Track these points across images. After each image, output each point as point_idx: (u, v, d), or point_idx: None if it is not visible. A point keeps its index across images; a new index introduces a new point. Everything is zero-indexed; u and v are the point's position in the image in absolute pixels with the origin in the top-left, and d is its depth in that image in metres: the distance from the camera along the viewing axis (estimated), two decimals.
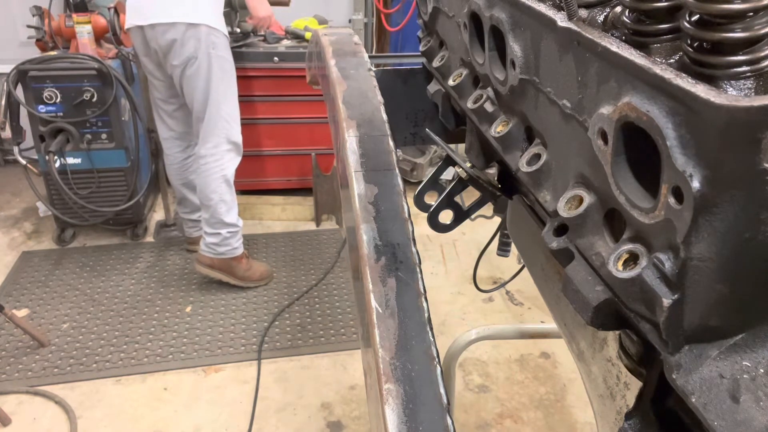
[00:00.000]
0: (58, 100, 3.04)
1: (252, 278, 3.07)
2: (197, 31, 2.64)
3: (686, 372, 0.46)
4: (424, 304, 0.66)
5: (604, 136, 0.50)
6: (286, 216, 3.80)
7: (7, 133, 3.16)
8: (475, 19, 0.80)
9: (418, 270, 0.69)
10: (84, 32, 3.22)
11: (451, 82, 0.96)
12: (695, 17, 0.44)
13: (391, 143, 0.86)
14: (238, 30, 3.46)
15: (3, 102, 3.03)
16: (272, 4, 3.41)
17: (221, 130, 2.79)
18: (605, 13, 0.59)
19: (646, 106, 0.43)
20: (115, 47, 3.31)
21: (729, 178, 0.38)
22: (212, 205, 2.83)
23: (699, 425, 0.46)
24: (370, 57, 1.09)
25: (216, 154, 2.80)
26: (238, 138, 2.89)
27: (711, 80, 0.43)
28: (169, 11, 2.63)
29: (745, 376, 0.44)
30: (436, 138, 1.09)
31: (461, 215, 1.09)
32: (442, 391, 0.58)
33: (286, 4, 3.54)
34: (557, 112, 0.61)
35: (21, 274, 3.18)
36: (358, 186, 0.79)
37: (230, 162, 2.86)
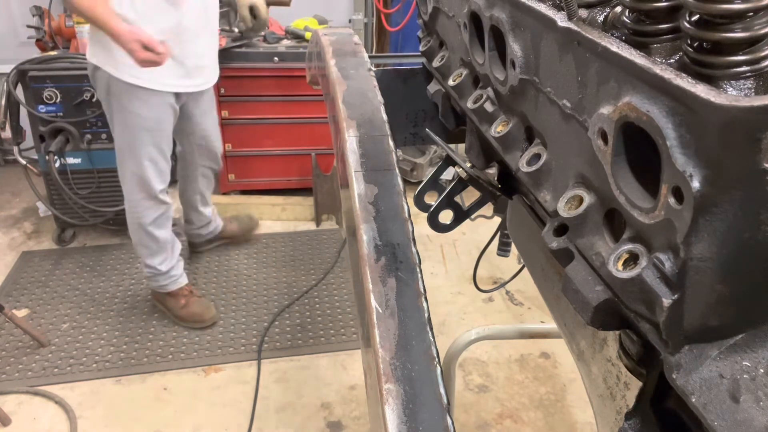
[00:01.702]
0: (58, 100, 3.03)
1: (184, 318, 2.83)
2: (98, 74, 2.37)
3: (686, 372, 0.46)
4: (424, 304, 0.66)
5: (604, 136, 0.50)
6: (286, 216, 3.80)
7: (7, 133, 3.16)
8: (475, 19, 0.80)
9: (418, 270, 0.69)
10: (84, 32, 3.21)
11: (451, 82, 0.97)
12: (695, 17, 0.45)
13: (391, 143, 0.86)
14: (237, 30, 3.46)
15: (3, 102, 3.03)
16: (272, 4, 3.40)
17: (129, 180, 2.56)
18: (605, 13, 0.58)
19: (646, 106, 0.43)
20: None
21: (729, 178, 0.38)
22: (134, 246, 2.73)
23: (699, 425, 0.46)
24: (370, 57, 1.09)
25: (130, 201, 2.61)
26: (155, 187, 2.56)
27: (711, 80, 0.43)
28: (90, 45, 2.41)
29: (745, 376, 0.44)
30: (436, 138, 1.09)
31: (461, 215, 1.09)
32: (442, 391, 0.58)
33: (287, 4, 3.54)
34: (557, 112, 0.61)
35: (21, 274, 3.18)
36: (358, 186, 0.79)
37: (147, 210, 2.60)
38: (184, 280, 2.84)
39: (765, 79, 0.43)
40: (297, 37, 3.66)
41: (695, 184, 0.39)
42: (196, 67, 2.52)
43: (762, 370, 0.44)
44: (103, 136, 3.17)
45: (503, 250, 1.57)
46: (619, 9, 0.56)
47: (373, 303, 0.65)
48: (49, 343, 2.69)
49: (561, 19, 0.57)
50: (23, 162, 3.14)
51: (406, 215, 0.76)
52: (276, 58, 3.47)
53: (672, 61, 0.50)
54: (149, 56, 2.14)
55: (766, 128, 0.35)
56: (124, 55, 2.20)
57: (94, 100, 3.06)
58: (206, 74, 2.62)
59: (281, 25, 3.79)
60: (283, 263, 3.36)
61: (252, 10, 2.95)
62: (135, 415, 2.38)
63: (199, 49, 2.50)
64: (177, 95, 2.54)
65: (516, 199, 0.97)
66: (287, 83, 3.53)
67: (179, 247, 2.83)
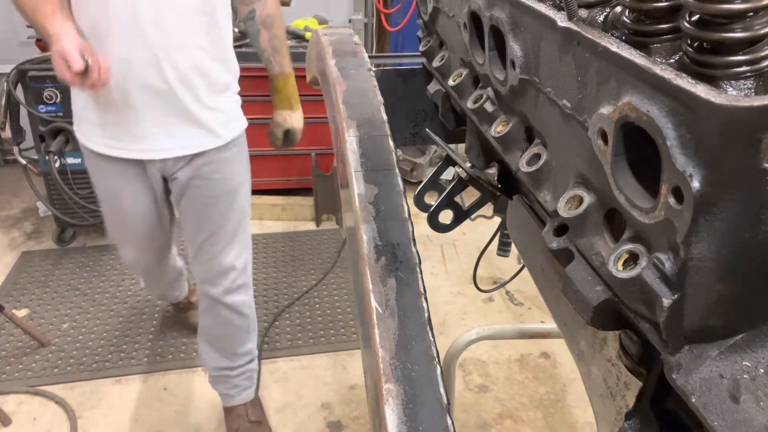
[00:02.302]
0: (58, 100, 3.03)
1: (180, 319, 2.82)
2: None
3: (686, 372, 0.46)
4: (424, 304, 0.66)
5: (604, 136, 0.50)
6: (286, 216, 3.80)
7: (7, 133, 3.15)
8: (475, 19, 0.80)
9: (418, 270, 0.69)
10: None
11: (451, 82, 0.97)
12: (695, 17, 0.44)
13: (391, 143, 0.86)
14: (237, 30, 3.45)
15: (3, 102, 3.03)
16: None
17: None
18: (605, 13, 0.58)
19: (646, 106, 0.43)
20: None
21: (729, 178, 0.38)
22: None
23: (699, 425, 0.46)
24: (370, 57, 1.09)
25: None
26: (123, 256, 2.26)
27: (711, 80, 0.43)
28: None
29: (745, 376, 0.44)
30: (436, 138, 1.09)
31: (461, 215, 1.09)
32: (442, 391, 0.58)
33: (287, 4, 3.54)
34: (557, 112, 0.61)
35: (21, 274, 3.18)
36: (358, 186, 0.79)
37: None
38: (183, 294, 2.71)
39: (765, 79, 0.43)
40: (297, 37, 3.66)
41: (695, 184, 0.39)
42: (137, 136, 1.79)
43: (762, 370, 0.44)
44: None
45: (503, 250, 1.57)
46: (619, 9, 0.56)
47: (373, 303, 0.65)
48: (49, 343, 2.69)
49: (561, 19, 0.57)
50: (23, 162, 3.14)
51: (406, 215, 0.76)
52: None
53: (672, 61, 0.50)
54: (68, 76, 1.51)
55: (766, 128, 0.35)
56: (75, 107, 1.84)
57: None
58: (179, 141, 1.85)
59: None
60: (283, 263, 3.36)
61: (287, 133, 2.52)
62: (135, 415, 2.38)
63: (130, 103, 1.72)
64: (145, 163, 1.83)
65: (516, 199, 0.97)
66: None
67: (182, 275, 2.62)
